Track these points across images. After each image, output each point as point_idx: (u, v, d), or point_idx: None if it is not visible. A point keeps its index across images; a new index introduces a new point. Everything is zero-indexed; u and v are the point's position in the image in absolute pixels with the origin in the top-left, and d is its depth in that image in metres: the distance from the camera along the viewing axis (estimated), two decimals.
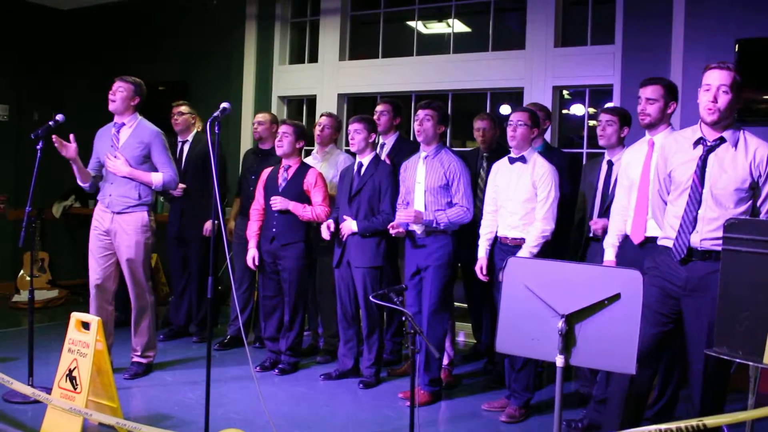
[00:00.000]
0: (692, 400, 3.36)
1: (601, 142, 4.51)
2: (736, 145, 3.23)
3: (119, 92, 4.77)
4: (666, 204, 3.45)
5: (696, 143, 3.31)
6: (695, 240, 3.27)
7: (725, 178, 3.21)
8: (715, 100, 3.20)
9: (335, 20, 7.17)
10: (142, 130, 4.80)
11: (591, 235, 4.43)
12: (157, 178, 4.76)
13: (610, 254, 3.95)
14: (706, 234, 3.24)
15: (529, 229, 4.25)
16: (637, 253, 3.78)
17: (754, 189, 3.21)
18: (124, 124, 4.81)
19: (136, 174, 4.71)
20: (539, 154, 4.40)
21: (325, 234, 4.88)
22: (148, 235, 4.78)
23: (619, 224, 3.94)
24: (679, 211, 3.32)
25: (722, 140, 3.25)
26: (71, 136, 4.63)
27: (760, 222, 2.96)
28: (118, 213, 4.73)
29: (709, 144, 3.26)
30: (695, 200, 3.27)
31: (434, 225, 4.51)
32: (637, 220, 3.83)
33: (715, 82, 3.21)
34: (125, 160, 4.70)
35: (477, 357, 5.57)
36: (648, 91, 3.90)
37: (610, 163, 4.45)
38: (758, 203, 3.23)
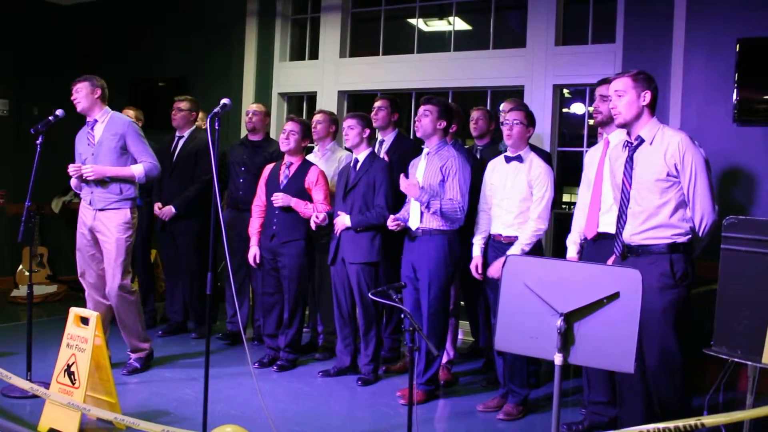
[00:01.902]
0: (657, 397, 3.41)
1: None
2: (653, 141, 3.43)
3: (77, 93, 4.76)
4: None
5: (624, 146, 3.55)
6: (626, 236, 3.48)
7: (647, 173, 3.41)
8: (615, 107, 3.46)
9: (336, 17, 7.16)
10: (115, 122, 4.78)
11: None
12: (138, 170, 4.72)
13: (572, 251, 4.10)
14: (635, 229, 3.45)
15: (523, 227, 4.27)
16: (591, 248, 3.98)
17: (675, 177, 3.37)
18: (96, 121, 4.80)
19: (116, 172, 4.68)
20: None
21: (313, 224, 4.89)
22: (129, 234, 4.73)
23: (580, 222, 4.09)
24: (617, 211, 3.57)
25: (641, 139, 3.46)
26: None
27: (759, 222, 2.96)
28: (101, 210, 4.70)
29: (633, 145, 3.48)
30: (625, 198, 3.49)
31: (423, 206, 4.45)
32: (590, 216, 4.00)
33: (611, 90, 3.50)
34: (100, 166, 4.67)
35: (476, 356, 5.57)
36: (603, 89, 4.09)
37: None
38: (686, 191, 3.38)
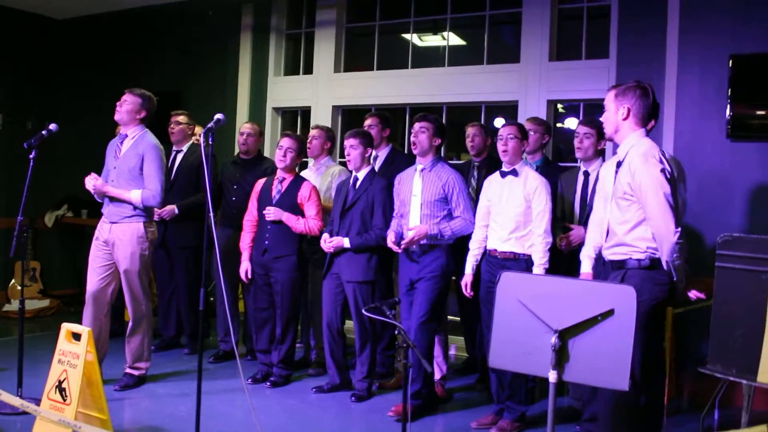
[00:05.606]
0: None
1: (578, 155, 4.62)
2: (624, 158, 3.41)
3: (125, 104, 4.81)
4: None
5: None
6: (603, 250, 3.54)
7: (616, 191, 3.42)
8: (603, 121, 3.56)
9: (330, 32, 7.18)
10: (140, 142, 4.80)
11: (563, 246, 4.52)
12: (136, 197, 4.71)
13: (586, 266, 3.84)
14: (607, 244, 3.50)
15: (533, 247, 4.22)
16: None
17: (631, 196, 3.34)
18: (126, 136, 4.84)
19: (116, 193, 4.71)
20: (536, 169, 4.42)
21: (328, 247, 4.85)
22: (144, 246, 4.77)
23: (596, 236, 3.86)
24: None
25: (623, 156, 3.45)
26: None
27: (753, 239, 2.96)
28: (115, 223, 4.75)
29: (619, 160, 3.46)
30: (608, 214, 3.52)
31: (439, 237, 4.49)
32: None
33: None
34: (103, 182, 4.73)
35: (470, 371, 5.54)
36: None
37: (587, 174, 4.58)
38: (644, 213, 3.32)
